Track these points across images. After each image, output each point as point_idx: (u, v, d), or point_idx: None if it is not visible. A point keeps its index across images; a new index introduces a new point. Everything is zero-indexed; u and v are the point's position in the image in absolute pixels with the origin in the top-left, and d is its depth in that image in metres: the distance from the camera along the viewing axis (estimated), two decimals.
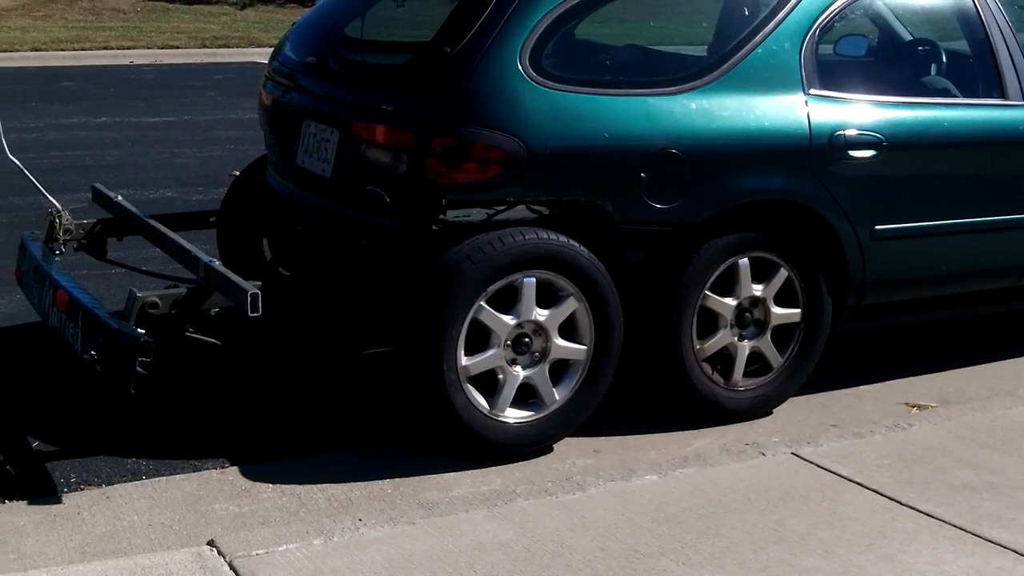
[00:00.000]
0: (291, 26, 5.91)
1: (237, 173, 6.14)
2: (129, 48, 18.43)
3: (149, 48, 18.60)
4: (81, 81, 15.16)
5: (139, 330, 4.11)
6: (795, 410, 5.10)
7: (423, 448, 4.59)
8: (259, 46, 18.82)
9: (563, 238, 4.49)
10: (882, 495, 4.09)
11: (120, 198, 5.42)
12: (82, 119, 12.05)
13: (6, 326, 5.85)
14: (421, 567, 3.53)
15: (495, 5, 4.63)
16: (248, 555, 3.57)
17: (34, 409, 4.88)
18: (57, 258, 5.05)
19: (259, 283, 4.26)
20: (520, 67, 4.51)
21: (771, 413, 5.05)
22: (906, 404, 5.22)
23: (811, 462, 4.36)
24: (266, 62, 5.82)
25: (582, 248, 4.51)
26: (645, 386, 4.94)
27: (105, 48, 18.33)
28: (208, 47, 19.04)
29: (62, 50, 17.94)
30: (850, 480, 4.21)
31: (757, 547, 3.70)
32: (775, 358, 5.02)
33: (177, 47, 18.85)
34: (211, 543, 3.66)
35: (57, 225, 5.13)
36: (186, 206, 8.01)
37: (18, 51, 17.51)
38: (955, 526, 3.87)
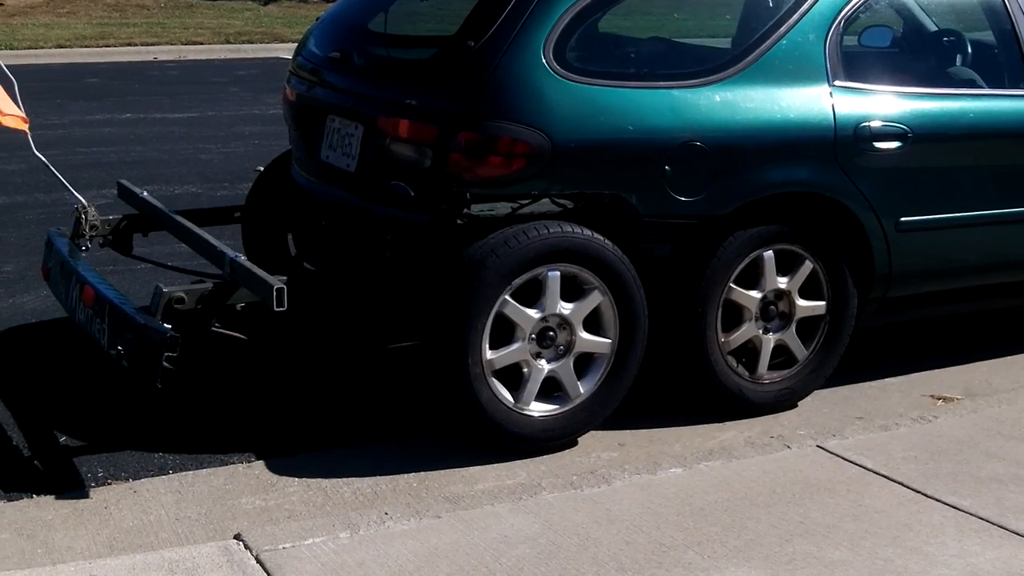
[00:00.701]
0: (315, 21, 5.92)
1: (262, 168, 6.16)
2: (153, 44, 18.49)
3: (173, 44, 18.66)
4: (105, 78, 15.22)
5: (165, 325, 4.12)
6: (820, 403, 5.08)
7: (448, 442, 4.60)
8: (283, 42, 18.86)
9: (588, 231, 4.48)
10: (908, 488, 4.08)
11: (145, 194, 5.45)
12: (107, 115, 12.10)
13: (34, 322, 5.88)
14: (447, 560, 3.53)
15: None
16: (275, 549, 3.58)
17: (61, 404, 4.91)
18: (83, 254, 5.07)
19: (284, 278, 4.27)
20: (544, 60, 4.51)
21: (796, 406, 5.04)
22: (932, 396, 5.21)
23: (836, 455, 4.35)
24: (290, 58, 5.83)
25: (607, 241, 4.51)
26: (670, 379, 4.93)
27: (129, 44, 18.40)
28: (232, 43, 19.08)
29: (86, 47, 18.01)
30: (876, 473, 4.20)
31: (783, 540, 3.69)
32: (800, 351, 5.01)
33: (201, 43, 18.90)
34: (238, 537, 3.68)
35: (83, 221, 5.15)
36: (211, 202, 8.03)
37: (43, 48, 17.60)
38: (981, 518, 3.86)
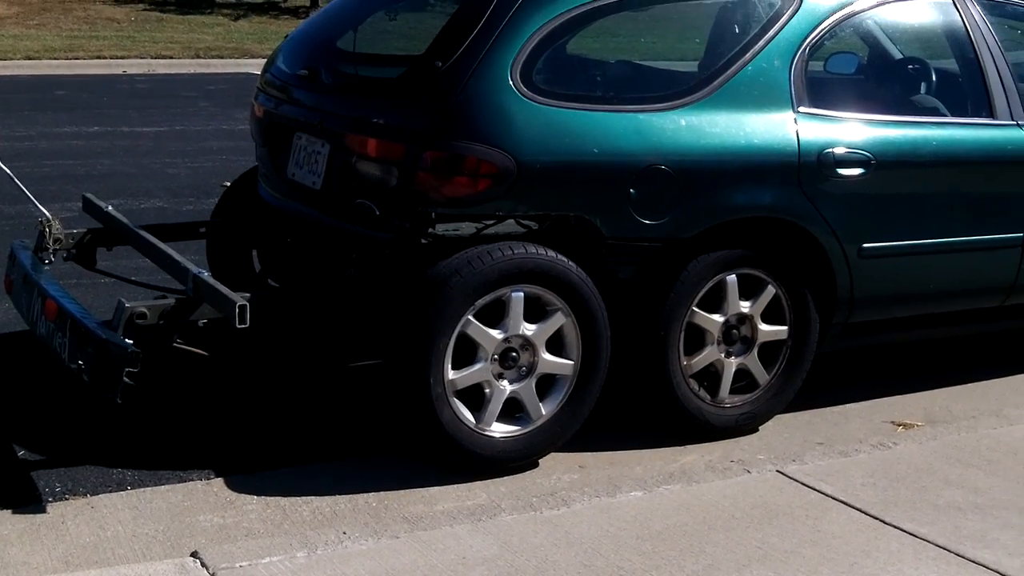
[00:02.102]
0: (284, 38, 5.92)
1: (228, 184, 6.15)
2: (123, 58, 18.44)
3: (142, 58, 18.61)
4: (74, 90, 15.16)
5: (127, 340, 4.11)
6: (781, 427, 5.10)
7: (409, 461, 4.59)
8: (253, 57, 18.83)
9: (552, 253, 4.49)
10: (867, 514, 4.10)
11: (110, 208, 5.43)
12: (74, 128, 12.04)
13: None
14: None
15: (487, 20, 4.64)
16: (231, 567, 3.56)
17: (20, 418, 4.88)
18: (47, 267, 5.05)
19: (248, 295, 4.26)
20: (511, 82, 4.52)
21: (757, 430, 5.05)
22: (892, 423, 5.23)
23: (796, 480, 4.37)
24: (259, 73, 5.83)
25: (571, 263, 4.52)
26: (632, 402, 4.94)
27: (99, 57, 18.34)
28: (202, 57, 19.05)
29: (55, 59, 17.94)
30: (835, 499, 4.22)
31: (741, 565, 3.70)
32: (762, 375, 5.03)
33: (171, 57, 18.86)
34: (195, 554, 3.66)
35: (47, 234, 5.13)
36: (177, 216, 8.01)
37: (11, 59, 17.51)
38: (939, 546, 3.88)
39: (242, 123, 12.44)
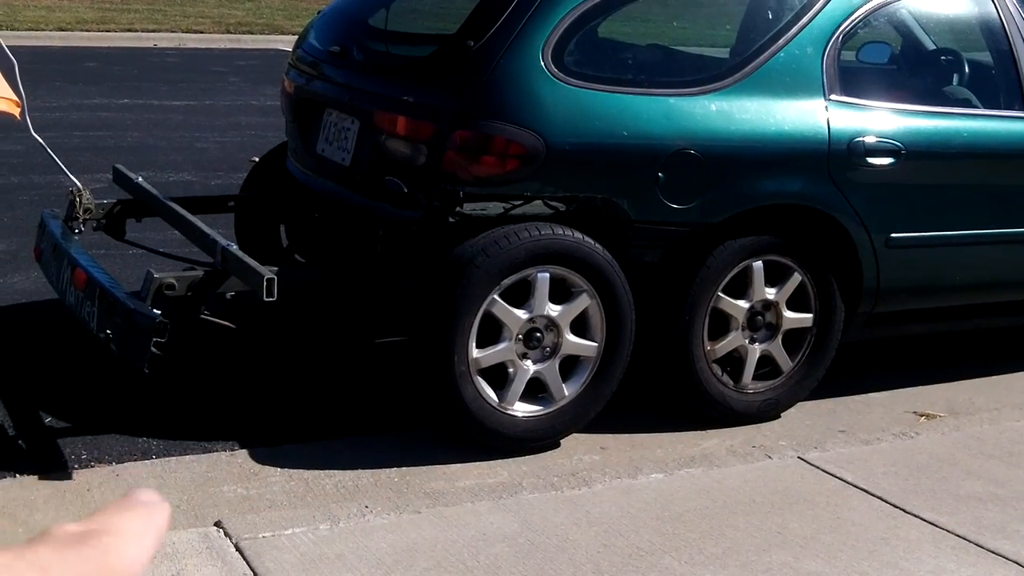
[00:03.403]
0: (316, 15, 5.93)
1: (257, 159, 6.17)
2: (153, 31, 18.47)
3: (173, 32, 18.63)
4: (104, 63, 15.20)
5: (155, 311, 4.14)
6: (804, 415, 5.11)
7: (432, 438, 4.62)
8: (283, 33, 18.84)
9: (578, 235, 4.50)
10: (887, 502, 4.11)
11: (140, 179, 5.45)
12: (104, 100, 12.09)
13: (24, 302, 5.89)
14: (425, 556, 3.55)
15: (520, 1, 4.64)
16: (254, 537, 3.60)
17: (48, 385, 4.92)
18: (76, 237, 5.08)
19: (275, 268, 4.28)
20: (542, 63, 4.53)
21: (779, 417, 5.06)
22: (915, 413, 5.23)
23: (817, 467, 4.38)
24: (289, 50, 5.85)
25: (597, 245, 4.53)
26: (654, 385, 4.95)
27: (129, 30, 18.37)
28: (232, 33, 19.08)
29: (87, 31, 17.98)
30: (855, 486, 4.22)
31: (760, 549, 3.72)
32: (785, 362, 5.03)
33: (201, 32, 18.89)
34: (218, 524, 3.70)
35: (77, 204, 5.16)
36: (205, 190, 8.04)
37: (43, 30, 17.56)
38: (959, 536, 3.88)
39: (271, 99, 12.50)
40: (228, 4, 22.60)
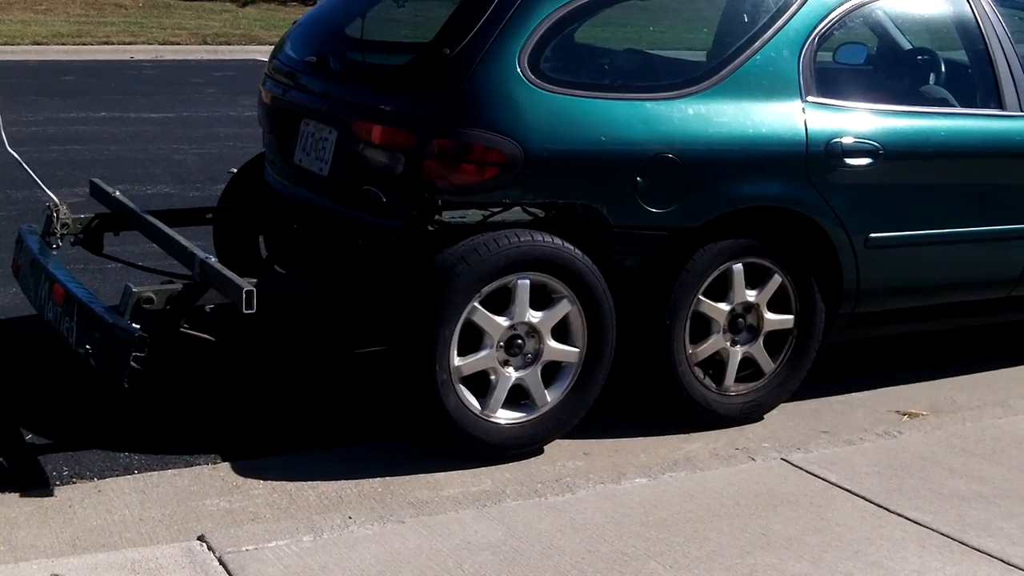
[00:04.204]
0: (292, 24, 5.92)
1: (235, 171, 6.16)
2: (130, 43, 18.45)
3: (150, 44, 18.61)
4: (81, 76, 15.17)
5: (134, 325, 4.12)
6: (786, 416, 5.11)
7: (414, 447, 4.60)
8: (260, 43, 18.84)
9: (558, 241, 4.50)
10: (871, 502, 4.11)
11: (118, 193, 5.44)
12: (82, 114, 12.05)
13: (2, 319, 5.86)
14: (410, 566, 3.54)
15: (495, 7, 4.64)
16: (238, 551, 3.58)
17: (28, 402, 4.89)
18: (54, 252, 5.06)
19: (254, 280, 4.27)
20: (519, 70, 4.52)
21: (762, 419, 5.06)
22: (897, 412, 5.24)
23: (801, 468, 4.38)
24: (267, 60, 5.84)
25: (577, 251, 4.52)
26: (637, 390, 4.95)
27: (106, 43, 18.35)
28: (209, 44, 19.06)
29: (63, 44, 17.95)
30: (839, 487, 4.22)
31: (744, 552, 3.71)
32: (767, 364, 5.03)
33: (178, 43, 18.87)
34: (201, 538, 3.67)
35: (55, 219, 5.14)
36: (184, 203, 8.01)
37: (19, 44, 17.52)
38: (943, 534, 3.89)
39: (249, 110, 12.48)
40: (205, 15, 22.58)
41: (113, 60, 17.14)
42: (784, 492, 4.16)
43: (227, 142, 10.85)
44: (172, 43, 18.82)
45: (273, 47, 5.91)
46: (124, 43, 18.44)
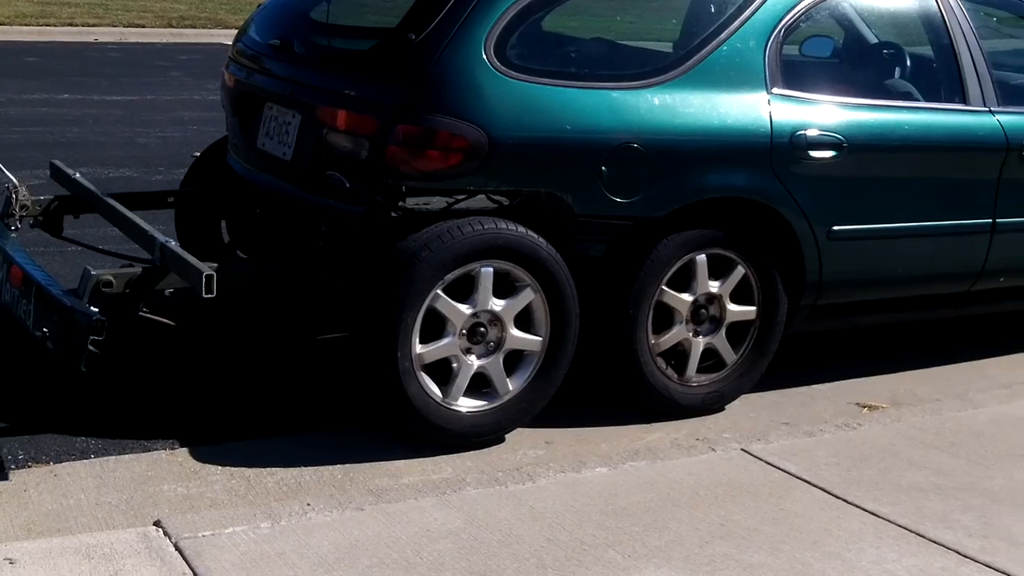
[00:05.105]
0: (257, 8, 5.88)
1: (199, 154, 6.11)
2: (94, 26, 18.26)
3: (115, 26, 18.43)
4: (45, 57, 15.02)
5: (92, 308, 4.08)
6: (748, 407, 5.11)
7: (375, 435, 4.58)
8: (226, 27, 18.65)
9: (522, 229, 4.48)
10: (829, 493, 4.12)
11: (78, 175, 5.39)
12: (44, 95, 11.94)
13: None
14: (367, 553, 3.52)
15: None
16: (194, 536, 3.55)
17: None
18: (13, 234, 5.00)
19: (215, 265, 4.23)
20: (485, 56, 4.50)
21: (724, 409, 5.06)
22: (858, 404, 5.25)
23: (760, 459, 4.38)
24: (231, 43, 5.79)
25: (540, 239, 4.51)
26: (599, 379, 4.94)
27: (70, 24, 18.16)
28: (174, 27, 18.89)
29: (26, 25, 17.76)
30: (798, 478, 4.23)
31: (703, 541, 3.71)
32: (729, 355, 5.04)
33: (143, 26, 18.69)
34: (157, 523, 3.64)
35: (14, 201, 5.09)
36: (146, 186, 7.95)
37: None
38: (900, 526, 3.90)
39: (214, 93, 12.32)
40: None
41: (77, 42, 16.98)
42: (744, 482, 4.16)
43: (191, 126, 10.78)
44: (137, 25, 18.65)
45: (238, 31, 5.87)
46: (88, 25, 18.25)
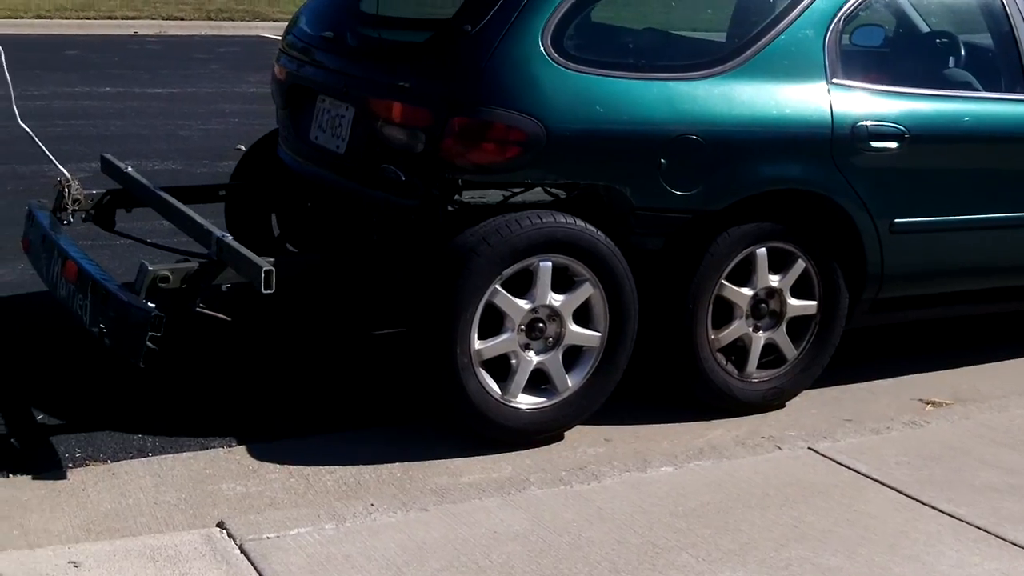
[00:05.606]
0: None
1: (243, 147, 6.06)
2: (134, 18, 18.30)
3: (154, 19, 18.46)
4: (85, 50, 15.04)
5: (150, 304, 4.02)
6: (808, 403, 5.02)
7: (431, 431, 4.52)
8: (264, 20, 18.66)
9: (581, 222, 4.41)
10: (902, 493, 4.02)
11: (130, 169, 5.34)
12: (86, 88, 11.94)
13: (10, 295, 5.77)
14: (436, 555, 3.45)
15: None
16: (259, 538, 3.49)
17: (39, 381, 4.80)
18: (64, 228, 4.96)
19: (272, 259, 4.17)
20: (542, 47, 4.43)
21: (784, 406, 4.97)
22: (920, 400, 5.15)
23: (829, 458, 4.29)
24: (271, 36, 5.76)
25: (600, 233, 4.43)
26: (657, 374, 4.86)
27: (110, 18, 18.20)
28: (213, 19, 18.90)
29: (66, 18, 17.81)
30: (869, 477, 4.13)
31: (778, 544, 3.63)
32: (790, 350, 4.95)
33: (182, 19, 18.71)
34: (221, 525, 3.59)
35: (66, 195, 5.05)
36: (190, 179, 7.93)
37: (22, 18, 17.38)
38: (978, 527, 3.80)
39: (254, 86, 12.39)
40: None
41: (116, 35, 17.00)
42: (814, 482, 4.07)
43: (232, 118, 10.75)
44: (176, 18, 18.67)
45: (278, 23, 5.84)
46: (128, 18, 18.29)
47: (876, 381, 5.35)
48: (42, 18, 17.58)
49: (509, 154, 4.39)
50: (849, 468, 4.20)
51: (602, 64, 4.53)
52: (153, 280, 4.13)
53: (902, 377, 5.42)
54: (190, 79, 13.12)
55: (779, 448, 4.37)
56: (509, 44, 4.44)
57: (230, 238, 4.32)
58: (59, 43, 15.49)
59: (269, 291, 4.02)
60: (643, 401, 4.89)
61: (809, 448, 4.36)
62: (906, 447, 4.42)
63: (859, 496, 3.98)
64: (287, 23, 5.82)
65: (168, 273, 4.17)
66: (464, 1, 4.68)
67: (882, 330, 5.81)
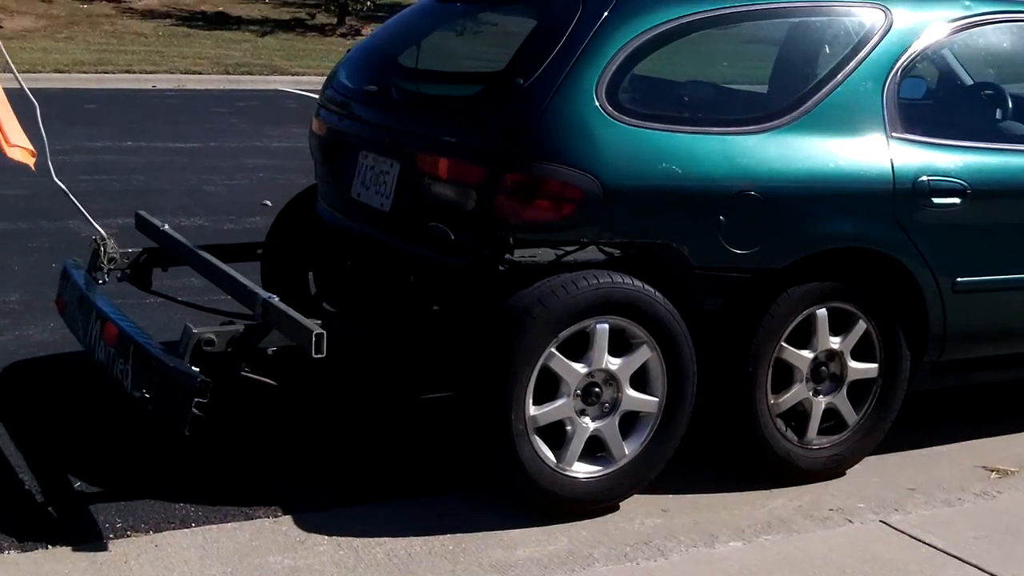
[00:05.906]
0: (346, 52, 5.68)
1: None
2: (152, 72, 18.26)
3: (172, 73, 18.43)
4: (104, 104, 14.97)
5: (195, 369, 3.85)
6: (869, 471, 4.80)
7: (479, 501, 4.32)
8: (282, 74, 18.61)
9: (638, 283, 4.24)
10: (985, 572, 3.83)
11: (167, 227, 5.19)
12: (107, 143, 11.83)
13: (41, 355, 5.60)
14: None
15: (570, 36, 4.41)
16: None
17: (74, 446, 4.62)
18: (99, 287, 4.80)
19: (320, 322, 4.00)
20: (596, 101, 4.28)
21: (844, 473, 4.76)
22: (985, 468, 4.93)
23: (902, 531, 4.10)
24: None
25: (658, 294, 4.26)
26: (714, 441, 4.66)
27: (128, 72, 18.17)
28: (231, 73, 18.85)
29: (84, 72, 17.78)
30: (947, 553, 3.95)
31: None
32: (851, 415, 4.75)
33: (200, 73, 18.67)
34: None
35: (101, 253, 4.89)
36: (218, 235, 7.78)
37: (41, 72, 17.32)
38: None
39: (276, 140, 12.30)
40: (225, 45, 22.42)
41: (135, 89, 16.95)
42: (890, 559, 3.88)
43: (257, 173, 10.62)
44: (194, 72, 18.62)
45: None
46: (146, 72, 18.25)
47: (935, 447, 5.13)
48: (60, 72, 17.55)
49: (564, 211, 4.23)
50: (925, 543, 4.01)
51: (658, 118, 4.38)
52: (198, 344, 3.97)
53: (962, 443, 5.20)
54: (211, 133, 13.02)
55: (850, 521, 4.18)
56: (562, 98, 4.29)
57: (276, 299, 4.16)
58: (78, 97, 15.42)
59: (320, 355, 3.85)
60: (697, 468, 4.69)
61: (881, 521, 4.18)
62: (981, 520, 4.23)
63: (939, 573, 3.79)
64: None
65: (213, 336, 4.01)
66: (515, 54, 4.54)
67: (939, 392, 5.61)
